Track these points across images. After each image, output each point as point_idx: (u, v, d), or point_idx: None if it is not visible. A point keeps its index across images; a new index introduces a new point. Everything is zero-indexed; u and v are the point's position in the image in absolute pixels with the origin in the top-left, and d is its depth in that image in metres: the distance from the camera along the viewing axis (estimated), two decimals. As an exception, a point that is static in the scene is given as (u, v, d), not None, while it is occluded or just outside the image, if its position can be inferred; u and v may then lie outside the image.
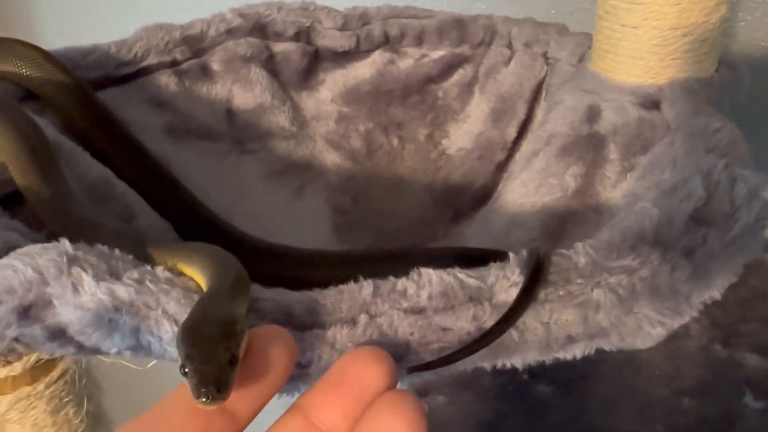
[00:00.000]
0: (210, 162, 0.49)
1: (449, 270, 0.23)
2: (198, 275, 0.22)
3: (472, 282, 0.23)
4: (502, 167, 0.49)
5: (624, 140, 0.40)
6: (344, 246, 0.48)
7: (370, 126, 0.54)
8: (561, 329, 0.22)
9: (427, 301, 0.22)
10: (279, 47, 0.53)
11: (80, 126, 0.44)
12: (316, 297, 0.22)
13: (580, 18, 0.61)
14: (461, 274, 0.23)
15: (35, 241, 0.28)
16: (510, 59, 0.51)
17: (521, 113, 0.49)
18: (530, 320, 0.22)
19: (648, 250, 0.25)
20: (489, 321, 0.22)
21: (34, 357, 0.39)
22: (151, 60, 0.50)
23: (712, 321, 0.51)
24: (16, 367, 0.39)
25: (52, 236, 0.31)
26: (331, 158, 0.53)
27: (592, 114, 0.41)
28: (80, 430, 0.43)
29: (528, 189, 0.42)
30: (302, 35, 0.54)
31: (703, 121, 0.35)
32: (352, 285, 0.23)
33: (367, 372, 0.19)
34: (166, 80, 0.50)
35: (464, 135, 0.51)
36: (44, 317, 0.23)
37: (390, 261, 0.37)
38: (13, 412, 0.40)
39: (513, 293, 0.23)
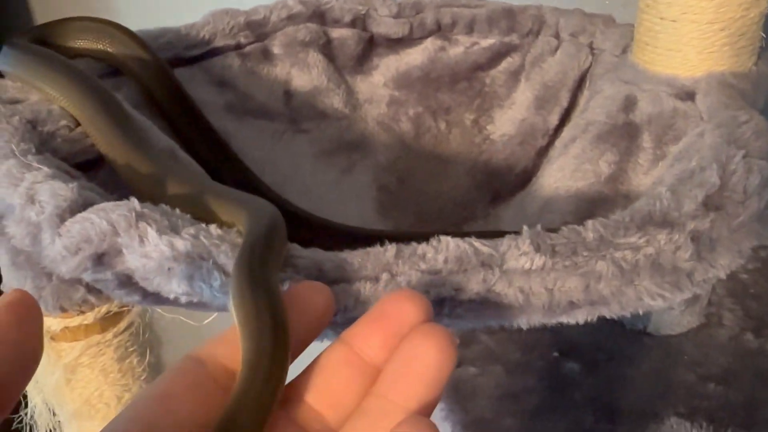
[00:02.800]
0: (266, 139, 0.53)
1: (466, 238, 0.26)
2: (240, 223, 0.26)
3: (485, 249, 0.25)
4: (542, 153, 0.51)
5: (657, 130, 0.41)
6: (387, 223, 0.51)
7: (420, 110, 0.57)
8: (564, 295, 0.25)
9: (442, 264, 0.25)
10: (336, 33, 0.56)
11: (157, 98, 0.48)
12: (345, 257, 0.25)
13: (633, 10, 0.62)
14: (477, 242, 0.25)
15: (109, 201, 0.32)
16: (556, 49, 0.53)
17: (564, 101, 0.51)
18: (536, 285, 0.25)
19: (655, 230, 0.27)
20: (498, 284, 0.24)
21: (104, 308, 0.44)
22: (218, 43, 0.53)
23: (746, 312, 0.52)
24: (89, 317, 0.43)
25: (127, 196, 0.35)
26: (380, 140, 0.56)
27: (629, 104, 0.43)
28: (142, 377, 0.48)
29: (563, 174, 0.44)
30: (358, 22, 0.56)
31: (731, 113, 0.36)
32: (378, 247, 0.25)
33: (405, 308, 0.21)
34: (230, 62, 0.54)
35: (508, 121, 0.54)
36: (115, 264, 0.26)
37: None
38: (84, 357, 0.45)
39: (522, 261, 0.25)
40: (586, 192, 0.42)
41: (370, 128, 0.57)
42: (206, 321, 0.52)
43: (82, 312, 0.43)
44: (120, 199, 0.35)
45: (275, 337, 0.21)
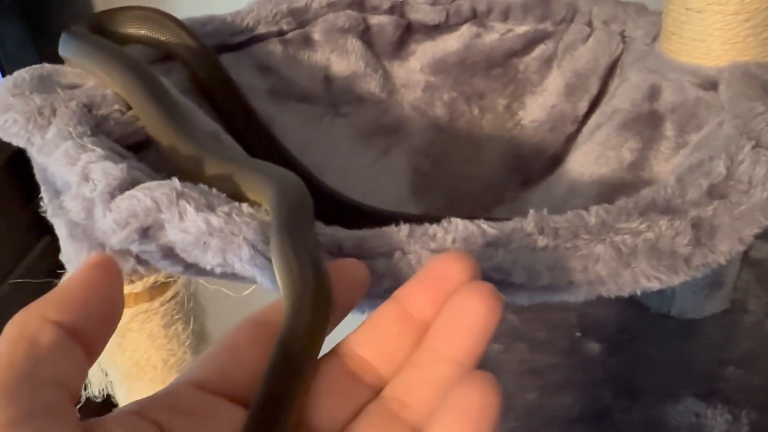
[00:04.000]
0: (307, 123, 0.55)
1: (475, 221, 0.28)
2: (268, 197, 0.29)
3: (491, 231, 0.27)
4: (571, 139, 0.53)
5: (680, 118, 0.42)
6: (419, 204, 0.53)
7: (454, 95, 0.59)
8: (563, 274, 0.27)
9: (450, 244, 0.27)
10: (375, 20, 0.58)
11: (204, 84, 0.51)
12: (363, 235, 0.27)
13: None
14: (484, 224, 0.27)
15: (154, 180, 0.35)
16: (589, 36, 0.54)
17: (594, 88, 0.52)
18: (538, 265, 0.27)
19: (657, 216, 0.29)
20: (502, 262, 0.27)
21: (152, 279, 0.48)
22: (261, 29, 0.56)
23: (773, 298, 0.53)
24: (138, 286, 0.47)
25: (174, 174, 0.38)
26: (416, 124, 0.58)
27: (654, 93, 0.44)
28: (186, 344, 0.51)
29: (588, 159, 0.46)
30: (396, 9, 0.58)
31: (749, 104, 0.37)
32: (393, 227, 0.28)
33: (453, 268, 0.22)
34: (273, 48, 0.56)
35: (539, 107, 0.55)
36: (158, 237, 0.29)
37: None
38: (134, 323, 0.48)
39: (526, 242, 0.27)
40: (609, 178, 0.43)
41: (405, 112, 0.59)
42: (245, 292, 0.56)
43: (132, 281, 0.47)
44: (165, 178, 0.39)
45: (318, 282, 0.23)
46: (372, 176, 0.54)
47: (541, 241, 0.27)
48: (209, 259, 0.28)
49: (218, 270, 0.29)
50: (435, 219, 0.29)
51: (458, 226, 0.27)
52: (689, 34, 0.43)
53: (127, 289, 0.47)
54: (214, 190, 0.30)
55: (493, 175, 0.54)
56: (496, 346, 0.50)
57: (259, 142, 0.51)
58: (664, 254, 0.28)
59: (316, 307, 0.23)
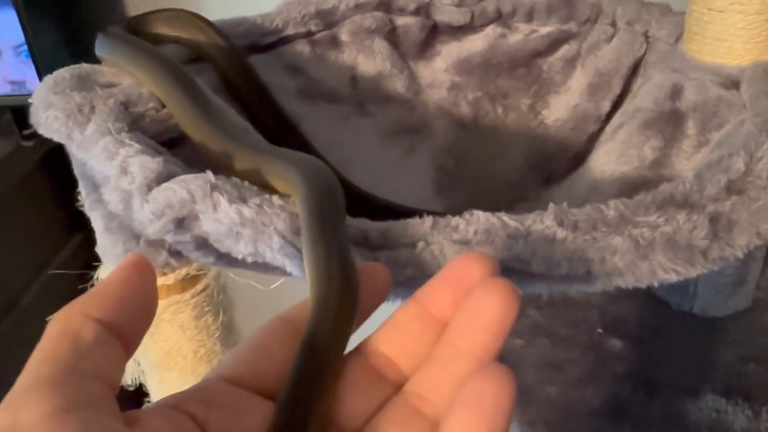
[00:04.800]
0: (334, 122, 0.57)
1: (497, 213, 0.29)
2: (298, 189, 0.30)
3: (512, 223, 0.28)
4: (594, 138, 0.53)
5: (702, 117, 0.43)
6: (443, 202, 0.54)
7: (479, 95, 0.60)
8: (581, 265, 0.27)
9: (472, 235, 0.28)
10: (401, 21, 0.60)
11: (234, 83, 0.53)
12: (388, 226, 0.29)
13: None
14: (505, 216, 0.28)
15: (189, 173, 0.36)
16: (612, 37, 0.55)
17: (617, 88, 0.53)
18: (557, 255, 0.28)
19: (675, 210, 0.30)
20: (522, 253, 0.28)
21: (183, 271, 0.49)
22: (290, 31, 0.57)
23: (797, 297, 0.53)
24: (170, 278, 0.49)
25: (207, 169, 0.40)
26: (440, 123, 0.59)
27: (676, 91, 0.45)
28: (216, 335, 0.53)
29: (610, 158, 0.46)
30: (422, 10, 0.59)
31: (769, 102, 0.37)
32: (417, 219, 0.29)
33: (473, 268, 0.23)
34: (301, 49, 0.58)
35: (562, 106, 0.56)
36: (193, 228, 0.31)
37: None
38: (166, 314, 0.50)
39: (546, 233, 0.28)
40: (630, 176, 0.44)
41: (430, 112, 0.60)
42: (273, 285, 0.57)
43: (165, 274, 0.48)
44: (199, 172, 0.40)
45: (345, 279, 0.24)
46: (397, 174, 0.55)
47: (561, 233, 0.28)
48: (241, 249, 0.29)
49: (249, 259, 0.30)
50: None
51: (480, 218, 0.28)
52: (712, 34, 0.43)
53: (160, 281, 0.49)
54: (246, 183, 0.32)
55: (515, 174, 0.55)
56: (518, 341, 0.51)
57: (287, 141, 0.53)
58: (681, 247, 0.28)
59: (342, 304, 0.24)
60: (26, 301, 0.81)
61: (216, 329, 0.53)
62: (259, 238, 0.29)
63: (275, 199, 0.30)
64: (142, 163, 0.32)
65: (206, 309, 0.51)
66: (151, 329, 0.52)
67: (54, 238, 0.89)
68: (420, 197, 0.54)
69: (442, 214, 0.30)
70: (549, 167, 0.54)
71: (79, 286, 0.50)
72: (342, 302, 0.24)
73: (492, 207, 0.55)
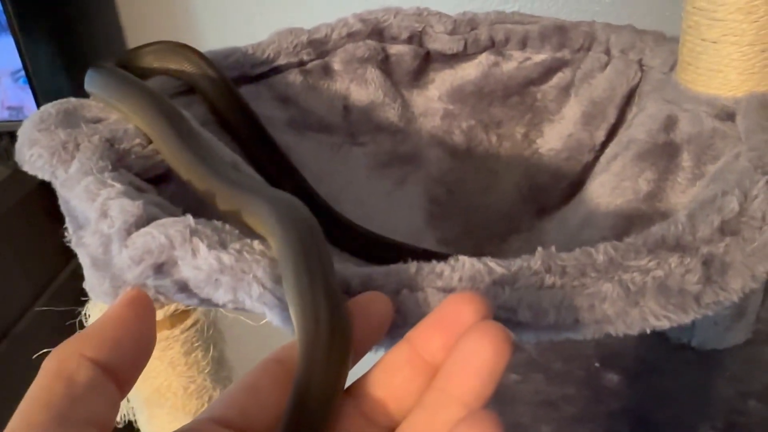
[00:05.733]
0: (324, 152, 0.56)
1: (483, 258, 0.28)
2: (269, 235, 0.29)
3: (498, 269, 0.27)
4: (588, 168, 0.53)
5: (697, 149, 0.42)
6: (435, 234, 0.53)
7: (473, 123, 0.59)
8: (569, 313, 0.27)
9: (457, 282, 0.27)
10: (394, 49, 0.59)
11: (224, 115, 0.53)
12: (370, 273, 0.28)
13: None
14: (491, 262, 0.28)
15: (173, 214, 0.36)
16: (606, 65, 0.54)
17: (611, 117, 0.52)
18: (544, 303, 0.27)
19: (667, 253, 0.29)
20: (508, 301, 0.27)
21: (172, 307, 0.48)
22: (281, 60, 0.57)
23: (797, 329, 0.52)
24: (159, 314, 0.48)
25: (193, 206, 0.39)
26: (433, 152, 0.59)
27: (670, 123, 0.44)
28: (206, 371, 0.52)
29: (604, 190, 0.46)
30: (415, 38, 0.59)
31: (764, 136, 0.36)
32: (401, 265, 0.28)
33: (464, 311, 0.23)
34: (293, 78, 0.57)
35: (556, 135, 0.55)
36: (172, 273, 0.30)
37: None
38: (155, 350, 0.49)
39: (533, 280, 0.27)
40: (624, 209, 0.43)
41: (423, 141, 0.59)
42: (263, 321, 0.56)
43: (153, 310, 0.48)
44: (184, 211, 0.40)
45: (334, 322, 0.23)
46: (388, 205, 0.55)
47: (548, 279, 0.27)
48: (220, 296, 0.28)
49: (230, 306, 0.29)
50: (446, 256, 0.29)
51: (465, 264, 0.27)
52: (705, 65, 0.43)
53: (148, 317, 0.48)
54: (227, 226, 0.31)
55: (509, 205, 0.54)
56: (513, 376, 0.50)
57: (278, 172, 0.52)
58: (672, 292, 0.27)
59: (331, 351, 0.23)
60: (20, 329, 0.80)
61: (206, 365, 0.52)
62: (238, 285, 0.28)
63: (256, 244, 0.29)
64: (122, 206, 0.32)
65: (196, 344, 0.50)
66: (140, 366, 0.51)
67: (49, 265, 0.88)
68: (411, 229, 0.53)
69: (431, 252, 0.29)
70: (542, 198, 0.54)
71: (67, 323, 0.49)
72: (331, 349, 0.23)
73: (485, 239, 0.55)
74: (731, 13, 0.40)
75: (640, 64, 0.52)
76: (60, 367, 0.21)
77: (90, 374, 0.21)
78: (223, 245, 0.29)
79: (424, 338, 0.24)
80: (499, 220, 0.54)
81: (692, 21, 0.43)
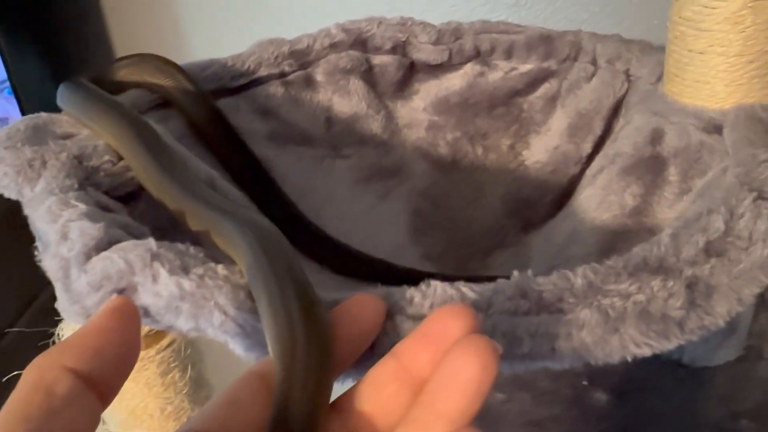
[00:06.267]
0: (306, 166, 0.55)
1: (455, 283, 0.27)
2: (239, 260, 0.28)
3: (471, 295, 0.26)
4: (574, 181, 0.51)
5: (683, 163, 0.41)
6: (419, 248, 0.52)
7: (458, 135, 0.58)
8: (545, 342, 0.25)
9: (428, 310, 0.26)
10: (377, 60, 0.58)
11: (202, 129, 0.51)
12: (337, 299, 0.27)
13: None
14: (465, 287, 0.26)
15: (141, 234, 0.34)
16: (593, 75, 0.53)
17: (598, 129, 0.51)
18: (519, 330, 0.26)
19: (648, 277, 0.27)
20: (482, 328, 0.25)
21: (147, 327, 0.47)
22: (262, 72, 0.56)
23: (789, 345, 0.50)
24: (133, 334, 0.47)
25: (163, 225, 0.38)
26: (418, 165, 0.57)
27: (656, 136, 0.43)
28: (184, 392, 0.51)
29: (590, 204, 0.44)
30: (399, 49, 0.58)
31: (752, 151, 0.35)
32: (368, 293, 0.27)
33: (451, 324, 0.22)
34: (274, 90, 0.56)
35: (542, 148, 0.54)
36: (133, 299, 0.29)
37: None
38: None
39: (507, 306, 0.26)
40: (610, 225, 0.42)
41: (408, 153, 0.58)
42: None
43: (127, 330, 0.46)
44: (158, 229, 0.38)
45: (308, 335, 0.22)
46: (371, 220, 0.54)
47: (524, 305, 0.26)
48: (182, 324, 0.27)
49: (193, 334, 0.28)
50: (425, 274, 0.28)
51: (437, 289, 0.26)
52: (692, 76, 0.42)
53: (122, 337, 0.47)
54: (192, 249, 0.30)
55: (494, 219, 0.53)
56: (498, 396, 0.48)
57: (258, 187, 0.51)
58: (654, 318, 0.26)
59: (310, 363, 0.22)
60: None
61: (184, 385, 0.50)
62: (200, 313, 0.26)
63: (220, 269, 0.28)
64: (82, 229, 0.30)
65: (173, 365, 0.49)
66: (115, 387, 0.49)
67: (22, 293, 0.86)
68: (394, 244, 0.52)
69: (412, 270, 0.28)
70: (528, 212, 0.52)
71: (39, 344, 0.48)
72: (309, 360, 0.22)
73: (469, 254, 0.54)
74: (718, 23, 0.39)
75: (627, 74, 0.51)
76: (39, 378, 0.20)
77: (70, 385, 0.20)
78: (185, 270, 0.28)
79: (411, 352, 0.23)
80: (484, 234, 0.53)
81: (678, 31, 0.42)
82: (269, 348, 0.24)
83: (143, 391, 0.49)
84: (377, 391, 0.23)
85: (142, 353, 0.47)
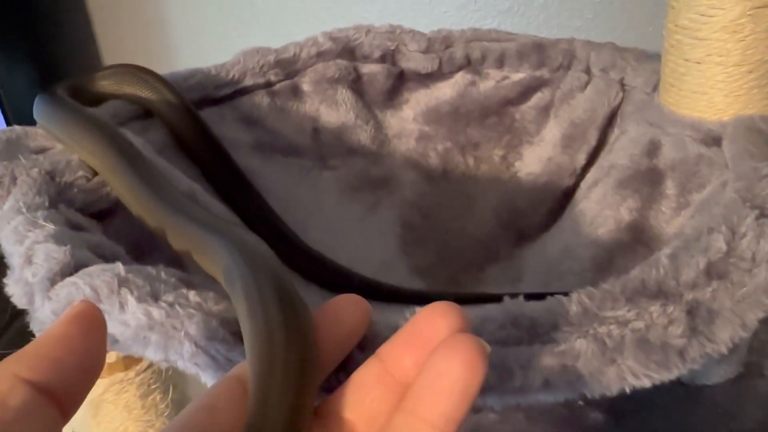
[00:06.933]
0: (292, 177, 0.53)
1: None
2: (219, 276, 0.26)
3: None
4: (569, 194, 0.50)
5: (681, 177, 0.39)
6: (409, 261, 0.51)
7: (449, 145, 0.56)
8: (537, 374, 0.24)
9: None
10: (366, 69, 0.57)
11: (184, 140, 0.50)
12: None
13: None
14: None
15: (114, 254, 0.33)
16: (587, 84, 0.51)
17: (592, 140, 0.50)
18: (510, 362, 0.24)
19: (647, 302, 0.26)
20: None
21: (125, 348, 0.45)
22: (247, 81, 0.54)
23: (790, 361, 0.49)
24: (112, 356, 0.45)
25: (140, 243, 0.36)
26: (408, 176, 0.56)
27: (653, 148, 0.41)
28: (165, 414, 0.49)
29: (585, 218, 0.43)
30: (388, 57, 0.56)
31: (753, 164, 0.34)
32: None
33: (437, 324, 0.21)
34: (260, 100, 0.55)
35: (535, 159, 0.52)
36: (100, 328, 0.27)
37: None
38: (108, 393, 0.46)
39: (498, 335, 0.24)
40: (606, 240, 0.41)
41: (397, 164, 0.56)
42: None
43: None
44: (135, 246, 0.37)
45: (287, 334, 0.21)
46: (359, 232, 0.52)
47: (515, 335, 0.24)
48: (150, 355, 0.26)
49: (164, 365, 0.26)
50: (409, 292, 0.26)
51: (422, 317, 0.24)
52: (689, 87, 0.40)
53: (100, 358, 0.45)
54: (163, 273, 0.28)
55: (486, 231, 0.52)
56: (491, 416, 0.47)
57: (242, 198, 0.49)
58: (654, 347, 0.25)
59: (290, 364, 0.20)
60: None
61: (165, 407, 0.48)
62: (169, 344, 0.25)
63: (192, 295, 0.26)
64: (48, 253, 0.29)
65: (153, 386, 0.47)
66: (94, 410, 0.47)
67: (6, 306, 0.85)
68: (384, 257, 0.51)
69: (398, 289, 0.27)
70: (521, 224, 0.51)
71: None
72: (289, 362, 0.20)
73: (460, 268, 0.52)
74: (715, 32, 0.38)
75: (622, 83, 0.50)
76: None
77: (25, 397, 0.19)
78: (155, 297, 0.26)
79: (395, 355, 0.22)
80: (476, 247, 0.51)
81: (674, 40, 0.40)
82: (246, 350, 0.22)
83: (123, 414, 0.47)
84: (360, 396, 0.22)
85: (121, 375, 0.46)
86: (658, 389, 0.49)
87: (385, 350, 0.23)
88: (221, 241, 0.28)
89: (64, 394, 0.20)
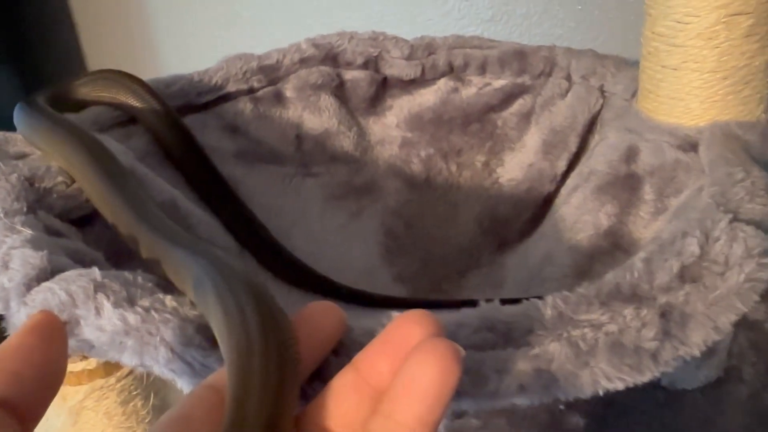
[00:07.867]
0: (275, 184, 0.53)
1: (418, 315, 0.25)
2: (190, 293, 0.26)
3: (434, 328, 0.25)
4: (549, 200, 0.50)
5: (659, 182, 0.40)
6: (392, 269, 0.51)
7: (431, 152, 0.57)
8: (512, 379, 0.24)
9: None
10: (349, 75, 0.57)
11: (167, 146, 0.50)
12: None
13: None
14: (427, 319, 0.25)
15: (92, 261, 0.33)
16: (567, 91, 0.52)
17: (573, 146, 0.50)
18: (485, 367, 0.24)
19: (621, 306, 0.26)
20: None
21: (105, 354, 0.45)
22: (230, 88, 0.54)
23: (769, 366, 0.49)
24: (92, 362, 0.44)
25: (117, 250, 0.36)
26: (391, 183, 0.56)
27: (631, 154, 0.42)
28: (146, 421, 0.48)
29: (565, 224, 0.43)
30: (371, 64, 0.57)
31: (728, 169, 0.34)
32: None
33: (412, 332, 0.22)
34: (242, 107, 0.55)
35: (517, 165, 0.53)
36: (77, 333, 0.27)
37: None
38: (88, 400, 0.46)
39: (473, 340, 0.24)
40: (585, 245, 0.41)
41: (380, 171, 0.57)
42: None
43: (85, 357, 0.44)
44: (114, 253, 0.37)
45: (266, 339, 0.20)
46: (342, 240, 0.52)
47: (490, 339, 0.25)
48: (126, 361, 0.25)
49: (140, 370, 0.26)
50: (389, 299, 0.27)
51: (398, 322, 0.25)
52: (666, 93, 0.41)
53: (81, 365, 0.44)
54: (140, 278, 0.28)
55: (468, 238, 0.52)
56: (474, 422, 0.47)
57: (224, 206, 0.49)
58: (627, 351, 0.25)
59: (269, 370, 0.20)
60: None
61: (147, 414, 0.48)
62: (144, 350, 0.25)
63: (168, 300, 0.26)
64: (24, 258, 0.29)
65: (134, 393, 0.47)
66: (73, 417, 0.47)
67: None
68: (367, 265, 0.51)
69: (380, 297, 0.27)
70: (503, 231, 0.51)
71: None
72: (268, 368, 0.20)
73: (443, 275, 0.52)
74: (691, 39, 0.38)
75: (602, 90, 0.50)
76: None
77: None
78: (131, 302, 0.26)
79: (370, 363, 0.22)
80: (459, 254, 0.51)
81: (651, 47, 0.41)
82: (224, 356, 0.22)
83: (103, 420, 0.47)
84: (337, 404, 0.23)
85: (102, 381, 0.45)
86: (639, 394, 0.49)
87: (361, 358, 0.23)
88: (188, 253, 0.28)
89: (24, 406, 0.20)
